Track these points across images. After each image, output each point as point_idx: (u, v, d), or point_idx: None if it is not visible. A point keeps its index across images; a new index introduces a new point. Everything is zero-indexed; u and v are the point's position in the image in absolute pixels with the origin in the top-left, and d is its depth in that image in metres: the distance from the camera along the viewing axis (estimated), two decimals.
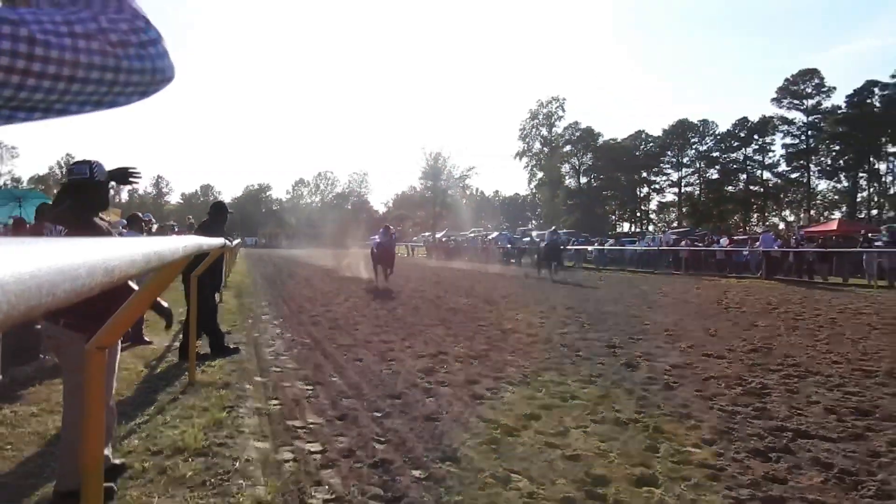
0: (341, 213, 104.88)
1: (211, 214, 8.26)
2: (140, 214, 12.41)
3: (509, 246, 43.22)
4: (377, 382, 6.45)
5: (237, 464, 4.10)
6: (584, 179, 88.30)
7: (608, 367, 7.37)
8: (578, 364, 7.56)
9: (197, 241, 3.04)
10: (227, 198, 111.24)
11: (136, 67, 0.78)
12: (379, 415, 5.29)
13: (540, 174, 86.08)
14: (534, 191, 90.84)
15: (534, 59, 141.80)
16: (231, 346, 8.09)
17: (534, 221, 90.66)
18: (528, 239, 38.61)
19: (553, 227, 31.08)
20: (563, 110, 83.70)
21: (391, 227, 21.16)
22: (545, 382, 6.54)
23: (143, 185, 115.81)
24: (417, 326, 10.60)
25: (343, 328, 10.30)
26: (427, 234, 71.46)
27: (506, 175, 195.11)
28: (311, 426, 4.98)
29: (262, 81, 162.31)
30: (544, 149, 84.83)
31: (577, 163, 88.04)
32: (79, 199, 3.75)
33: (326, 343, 8.82)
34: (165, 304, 4.12)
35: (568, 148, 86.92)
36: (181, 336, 8.31)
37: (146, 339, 8.69)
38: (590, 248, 39.28)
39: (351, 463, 4.18)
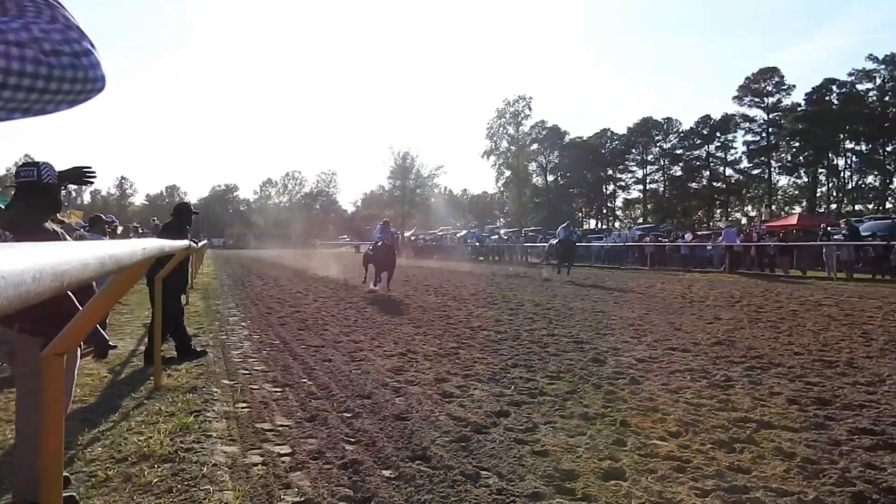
0: (310, 213, 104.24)
1: (175, 216, 8.13)
2: (103, 216, 12.19)
3: (478, 244, 43.39)
4: (346, 383, 6.42)
5: (205, 469, 4.05)
6: (550, 177, 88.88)
7: (576, 363, 7.43)
8: (546, 360, 7.61)
9: (158, 244, 3.00)
10: (193, 198, 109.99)
11: (68, 76, 0.78)
12: (349, 415, 5.27)
13: (507, 173, 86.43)
14: (501, 189, 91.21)
15: (501, 58, 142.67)
16: (198, 349, 7.99)
17: (501, 220, 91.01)
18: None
19: (566, 223, 27.78)
20: (530, 109, 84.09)
21: (391, 223, 18.71)
22: (514, 379, 6.58)
23: (107, 186, 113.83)
24: (387, 326, 10.58)
25: (312, 329, 10.24)
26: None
27: (473, 174, 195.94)
28: (279, 428, 4.94)
29: (229, 80, 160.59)
30: (511, 147, 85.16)
31: (543, 161, 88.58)
32: (29, 202, 3.67)
33: (295, 344, 8.75)
34: (104, 334, 4.03)
35: (535, 146, 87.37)
36: (146, 340, 8.17)
37: (110, 343, 8.53)
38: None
39: (320, 464, 4.15)
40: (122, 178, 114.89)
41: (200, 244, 24.65)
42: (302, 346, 8.64)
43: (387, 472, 4.01)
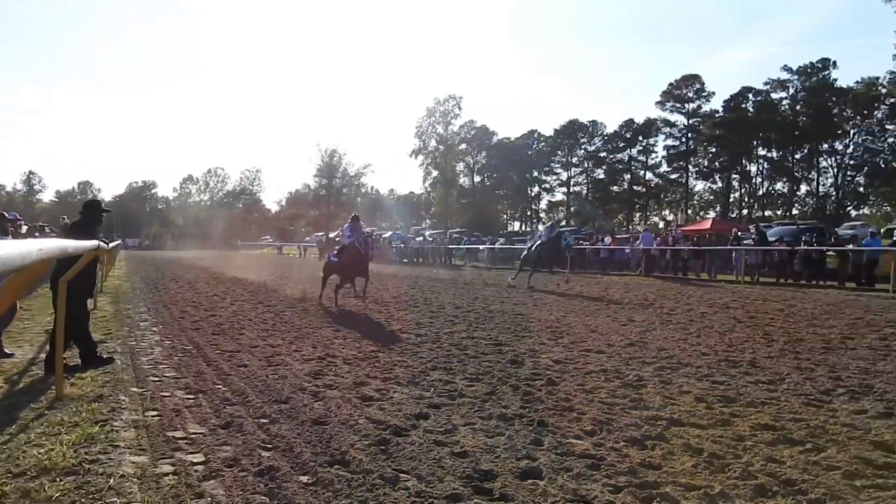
0: (232, 212, 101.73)
1: (83, 214, 7.74)
2: (6, 214, 11.54)
3: (402, 245, 43.33)
4: (263, 388, 6.29)
5: (111, 480, 3.89)
6: (477, 178, 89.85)
7: (494, 365, 7.52)
8: (466, 362, 7.67)
9: (59, 244, 2.86)
10: (107, 196, 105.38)
11: None
12: (265, 421, 5.17)
13: (435, 172, 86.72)
14: (428, 189, 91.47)
15: (432, 56, 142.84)
16: (104, 356, 7.65)
17: (428, 220, 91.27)
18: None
19: (552, 222, 25.72)
20: (460, 108, 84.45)
21: (360, 220, 15.03)
22: (433, 381, 6.61)
23: (12, 182, 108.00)
24: (306, 329, 10.44)
25: (227, 333, 9.98)
26: (320, 233, 70.42)
27: (401, 173, 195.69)
28: (192, 436, 4.79)
29: (149, 72, 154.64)
30: (440, 147, 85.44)
31: (471, 161, 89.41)
32: None
33: (209, 349, 8.51)
34: None
35: (463, 146, 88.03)
36: (48, 347, 7.77)
37: (6, 351, 8.05)
38: (481, 246, 40.00)
39: (235, 472, 4.06)
40: (30, 173, 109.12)
41: (112, 244, 23.69)
42: (216, 351, 8.41)
43: (304, 478, 3.96)
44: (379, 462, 4.24)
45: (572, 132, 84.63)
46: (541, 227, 21.40)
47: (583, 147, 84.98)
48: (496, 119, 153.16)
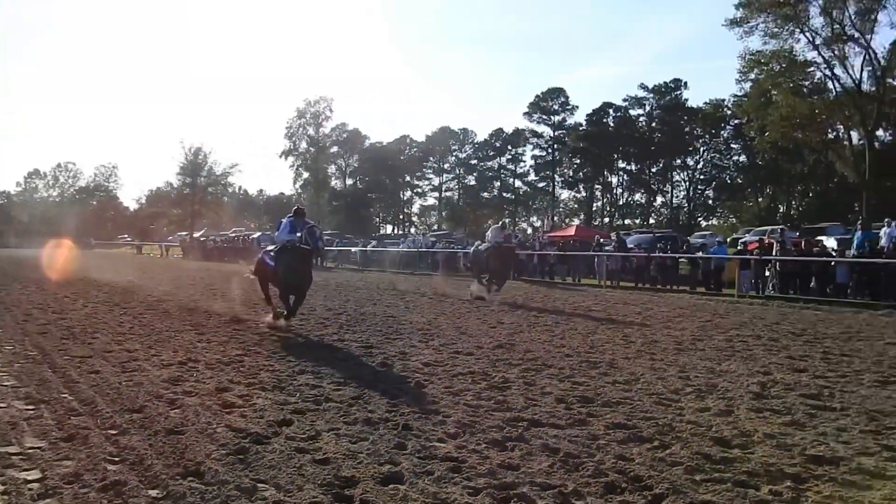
0: (85, 209, 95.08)
1: None
2: None
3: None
4: (115, 396, 5.90)
5: None
6: (349, 181, 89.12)
7: (363, 368, 7.48)
8: (335, 366, 7.57)
9: None
10: None
11: None
12: (114, 432, 4.84)
13: (306, 174, 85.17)
14: (299, 191, 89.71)
15: (302, 56, 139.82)
16: None
17: None
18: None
19: (501, 223, 23.23)
20: (331, 110, 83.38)
21: (306, 214, 11.43)
22: (300, 386, 6.46)
23: None
24: (166, 333, 9.91)
25: (78, 337, 9.29)
26: (184, 233, 67.17)
27: (271, 174, 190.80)
28: (29, 451, 4.41)
29: None
30: (311, 148, 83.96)
31: (343, 164, 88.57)
32: None
33: (57, 355, 7.87)
34: None
35: (335, 149, 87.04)
36: None
37: None
38: (353, 249, 39.79)
39: (76, 489, 3.77)
40: None
41: None
42: (65, 357, 7.80)
43: (153, 493, 3.74)
44: (236, 472, 4.08)
45: (444, 139, 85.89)
46: (489, 234, 17.96)
47: (454, 154, 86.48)
48: (368, 121, 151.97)
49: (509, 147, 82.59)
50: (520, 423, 5.31)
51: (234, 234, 53.13)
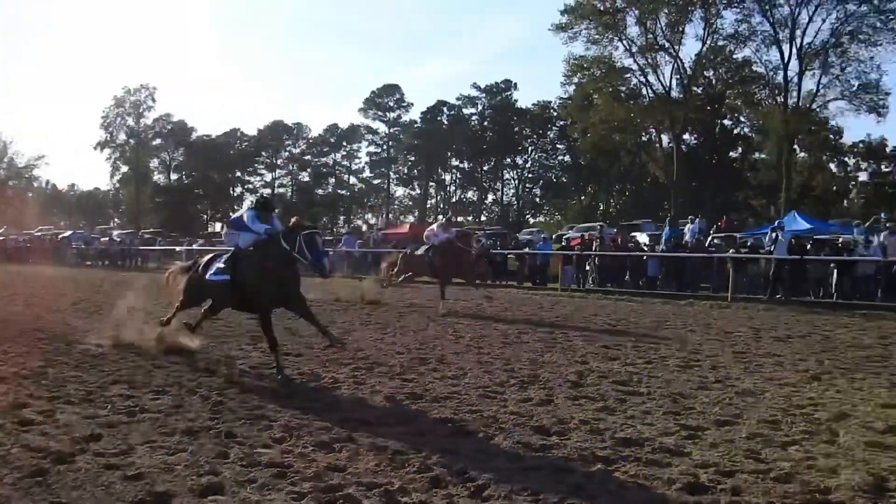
0: None
1: None
2: None
3: (84, 246, 39.13)
4: None
5: None
6: (174, 176, 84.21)
7: (184, 375, 7.08)
8: (153, 373, 7.11)
9: None
10: None
11: None
12: None
13: (124, 168, 79.43)
14: (117, 186, 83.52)
15: (121, 41, 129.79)
16: None
17: (116, 220, 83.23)
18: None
19: (446, 218, 19.97)
20: (154, 100, 78.04)
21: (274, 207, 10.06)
22: (111, 398, 5.99)
23: None
24: None
25: None
26: None
27: (84, 167, 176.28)
28: None
29: None
30: (130, 140, 78.30)
31: (167, 158, 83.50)
32: None
33: None
34: None
35: (158, 141, 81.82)
36: None
37: None
38: (178, 248, 37.62)
39: None
40: None
41: None
42: None
43: None
44: (32, 497, 3.70)
45: (277, 133, 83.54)
46: (435, 227, 15.56)
47: (287, 149, 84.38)
48: (194, 112, 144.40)
49: (344, 143, 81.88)
50: (348, 423, 5.28)
51: (39, 234, 48.26)
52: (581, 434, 5.10)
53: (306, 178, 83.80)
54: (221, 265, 7.98)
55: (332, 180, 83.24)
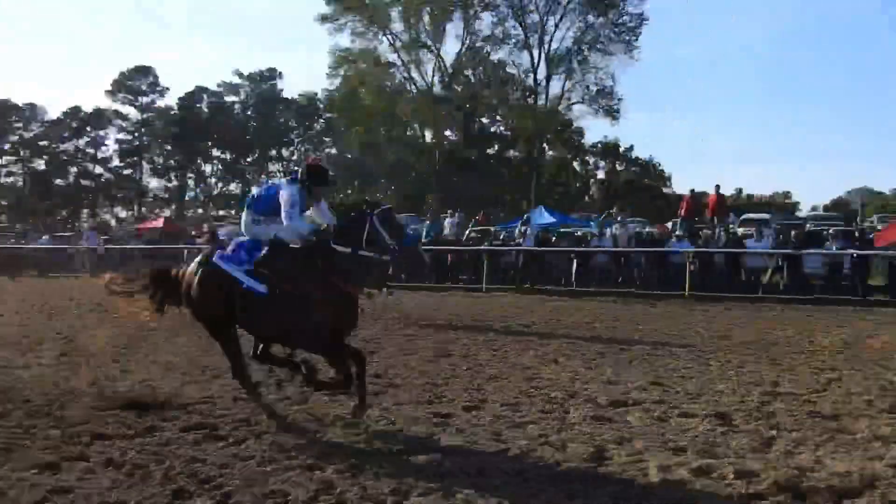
0: None
1: None
2: None
3: None
4: None
5: None
6: None
7: None
8: None
9: None
10: None
11: None
12: None
13: None
14: None
15: None
16: None
17: None
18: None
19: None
20: None
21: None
22: None
23: None
24: None
25: None
26: None
27: None
28: None
29: None
30: None
31: None
32: None
33: None
34: None
35: None
36: None
37: None
38: None
39: None
40: None
41: None
42: None
43: None
44: None
45: (4, 114, 73.12)
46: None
47: (18, 133, 74.18)
48: None
49: (89, 128, 73.94)
50: (80, 437, 4.78)
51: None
52: (336, 430, 5.13)
53: (42, 167, 74.44)
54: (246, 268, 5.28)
55: (75, 169, 74.86)
